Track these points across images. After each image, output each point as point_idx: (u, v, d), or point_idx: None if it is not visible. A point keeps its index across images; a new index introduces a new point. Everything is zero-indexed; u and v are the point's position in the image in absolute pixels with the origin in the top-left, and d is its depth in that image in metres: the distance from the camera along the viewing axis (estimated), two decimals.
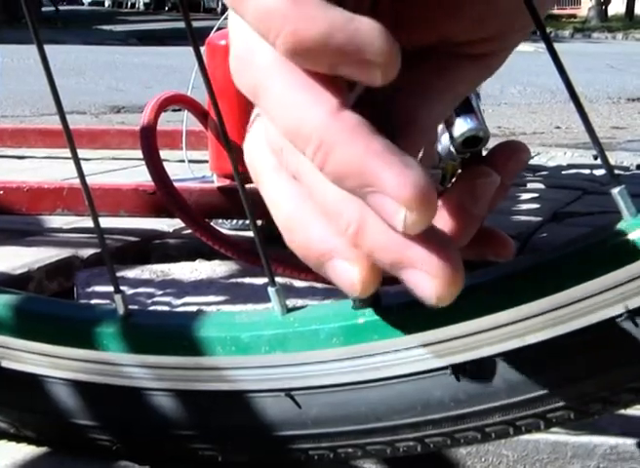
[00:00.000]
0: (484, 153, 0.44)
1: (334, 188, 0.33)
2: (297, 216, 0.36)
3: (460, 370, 0.42)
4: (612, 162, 0.52)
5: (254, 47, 0.33)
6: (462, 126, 0.69)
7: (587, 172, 1.94)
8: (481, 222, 0.42)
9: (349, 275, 0.34)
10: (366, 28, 0.30)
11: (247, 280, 1.04)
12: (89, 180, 0.51)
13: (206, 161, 1.30)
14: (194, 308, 0.93)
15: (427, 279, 0.32)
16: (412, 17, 0.38)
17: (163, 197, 1.02)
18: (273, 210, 0.37)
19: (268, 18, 0.30)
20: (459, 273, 0.32)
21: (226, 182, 1.18)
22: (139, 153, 1.05)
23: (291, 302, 0.46)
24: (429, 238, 0.32)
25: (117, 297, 0.50)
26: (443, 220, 0.41)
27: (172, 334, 0.48)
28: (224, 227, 1.21)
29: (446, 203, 0.41)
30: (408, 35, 0.38)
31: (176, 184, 1.04)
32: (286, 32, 0.30)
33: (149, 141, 1.02)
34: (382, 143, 0.31)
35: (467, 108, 0.70)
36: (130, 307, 0.50)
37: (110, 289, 0.50)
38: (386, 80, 0.31)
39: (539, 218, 1.38)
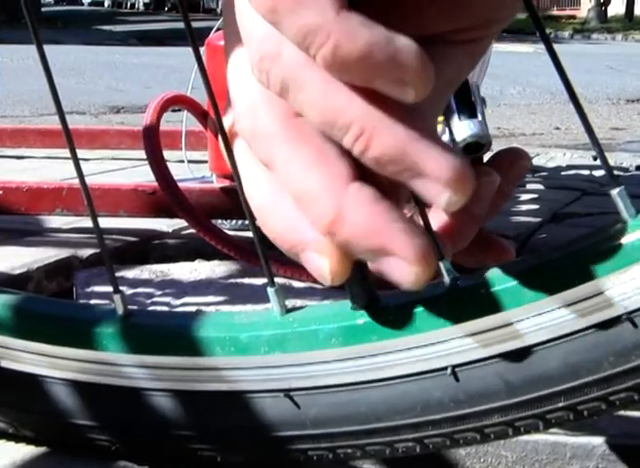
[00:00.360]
0: (485, 159, 0.44)
1: (308, 178, 0.34)
2: (270, 205, 0.37)
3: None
4: (611, 163, 0.52)
5: (281, 44, 0.33)
6: (465, 130, 0.69)
7: (587, 172, 1.94)
8: (480, 225, 0.42)
9: (320, 266, 0.35)
10: (405, 49, 0.31)
11: (246, 280, 1.04)
12: (88, 180, 0.51)
13: (205, 161, 1.30)
14: (193, 308, 0.93)
15: (405, 265, 0.33)
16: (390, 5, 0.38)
17: (166, 197, 1.02)
18: (249, 197, 0.38)
19: (312, 33, 0.31)
20: (432, 259, 0.34)
21: (226, 183, 1.18)
22: (138, 153, 1.05)
23: (290, 303, 0.46)
24: (404, 226, 0.34)
25: (116, 297, 0.50)
26: (443, 220, 0.41)
27: (171, 335, 0.48)
28: (224, 227, 1.21)
29: None
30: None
31: None
32: (327, 48, 0.31)
33: (152, 142, 1.02)
34: (419, 127, 0.33)
35: (471, 113, 0.70)
36: (129, 307, 0.50)
37: (109, 289, 0.50)
38: (419, 98, 0.32)
39: (538, 219, 1.37)
